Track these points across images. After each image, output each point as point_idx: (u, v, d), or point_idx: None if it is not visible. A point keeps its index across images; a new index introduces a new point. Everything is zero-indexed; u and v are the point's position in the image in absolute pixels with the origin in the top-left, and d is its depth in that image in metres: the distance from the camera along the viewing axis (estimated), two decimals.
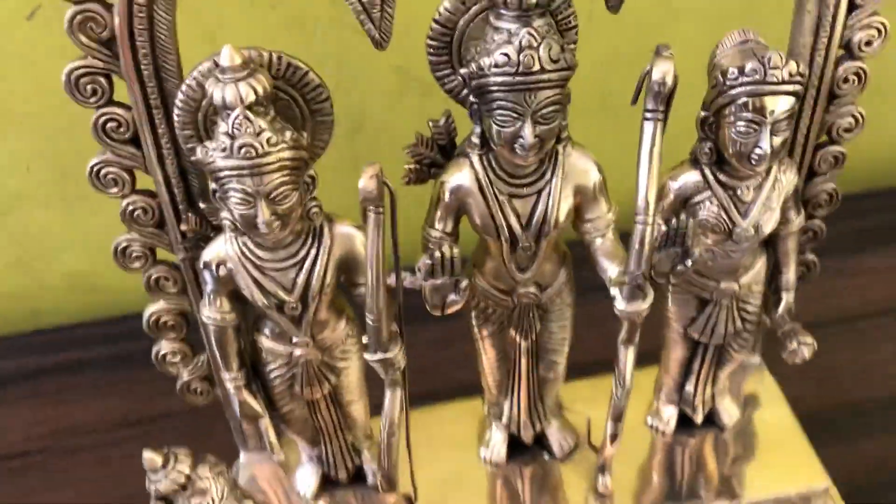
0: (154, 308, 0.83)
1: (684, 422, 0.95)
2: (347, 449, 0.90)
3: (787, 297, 0.85)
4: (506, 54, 0.65)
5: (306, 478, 0.92)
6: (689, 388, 0.92)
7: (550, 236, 0.76)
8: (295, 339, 0.76)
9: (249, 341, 0.80)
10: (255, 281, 0.72)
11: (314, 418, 0.85)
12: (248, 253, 0.71)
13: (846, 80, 0.79)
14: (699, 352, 0.89)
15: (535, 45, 0.64)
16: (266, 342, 0.78)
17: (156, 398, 1.15)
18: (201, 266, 0.74)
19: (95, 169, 0.74)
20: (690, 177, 0.77)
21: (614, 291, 0.73)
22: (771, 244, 0.84)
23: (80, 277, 1.34)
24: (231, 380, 0.79)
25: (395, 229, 0.66)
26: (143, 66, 0.68)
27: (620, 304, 0.73)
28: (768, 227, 0.77)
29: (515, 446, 0.94)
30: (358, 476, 0.92)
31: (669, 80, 0.63)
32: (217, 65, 0.65)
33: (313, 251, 0.71)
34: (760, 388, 1.00)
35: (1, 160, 1.21)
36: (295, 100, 0.71)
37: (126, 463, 1.10)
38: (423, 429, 0.96)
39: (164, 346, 0.85)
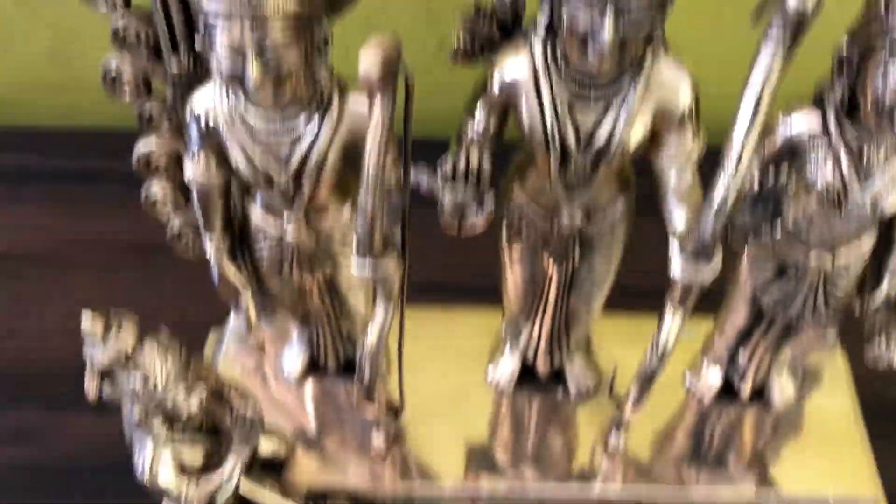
0: (144, 148, 0.72)
1: (726, 389, 0.82)
2: (340, 337, 0.80)
3: (889, 285, 0.69)
4: None
5: (292, 359, 0.83)
6: (743, 356, 0.79)
7: (613, 162, 0.60)
8: (286, 218, 0.65)
9: (240, 208, 0.69)
10: (244, 150, 0.59)
11: (305, 303, 0.75)
12: (239, 114, 0.58)
13: None
14: (764, 320, 0.75)
15: None
16: (256, 216, 0.67)
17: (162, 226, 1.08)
18: (187, 118, 0.61)
19: None
20: (809, 121, 0.60)
21: (674, 249, 0.59)
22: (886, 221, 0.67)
23: None
24: (212, 244, 0.68)
25: (409, 122, 0.52)
26: None
27: (676, 269, 0.58)
28: (892, 207, 0.61)
29: (527, 374, 0.83)
30: (349, 366, 0.83)
31: (810, 6, 0.45)
32: None
33: (315, 125, 0.58)
34: (826, 368, 0.85)
35: None
36: None
37: (125, 290, 1.05)
38: (429, 333, 0.86)
39: (155, 190, 0.75)
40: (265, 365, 0.86)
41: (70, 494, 0.88)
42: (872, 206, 0.60)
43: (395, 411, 0.78)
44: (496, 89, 0.60)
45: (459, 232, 0.60)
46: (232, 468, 0.67)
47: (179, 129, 0.70)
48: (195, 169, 0.63)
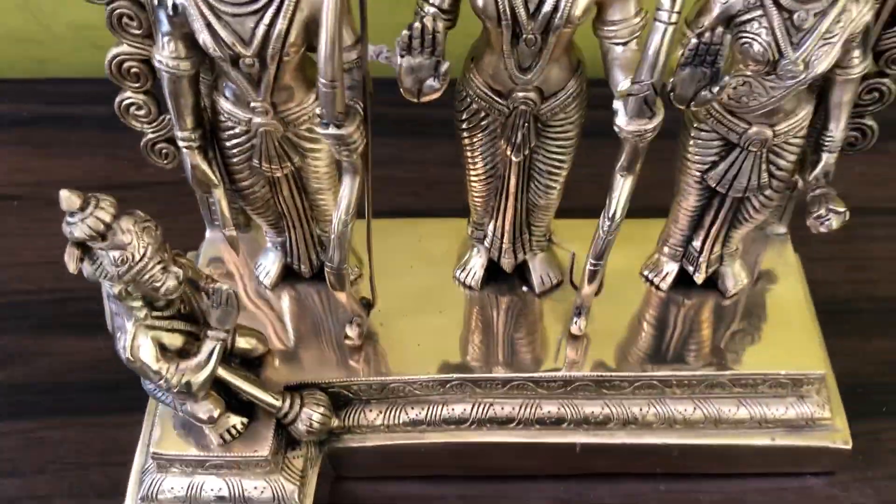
0: (117, 50, 0.74)
1: (683, 281, 0.86)
2: (313, 241, 0.84)
3: (827, 158, 0.73)
4: None
5: (267, 265, 0.86)
6: (696, 243, 0.83)
7: (561, 32, 0.64)
8: (253, 104, 0.68)
9: (209, 103, 0.72)
10: (209, 26, 0.62)
11: (276, 202, 0.78)
12: None
13: None
14: (714, 204, 0.79)
15: None
16: (225, 104, 0.70)
17: (144, 165, 1.10)
18: (155, 3, 0.64)
19: None
20: None
21: (617, 105, 0.62)
22: (823, 92, 0.71)
23: (87, 31, 1.26)
24: (184, 139, 0.71)
25: None
26: None
27: (621, 120, 0.62)
28: (822, 66, 0.65)
29: (495, 275, 0.87)
30: (322, 272, 0.86)
31: None
32: None
33: (276, 2, 0.61)
34: (779, 263, 0.89)
35: None
36: None
37: None
38: (399, 238, 0.89)
39: (128, 96, 0.77)
40: (240, 278, 0.89)
41: (55, 411, 0.90)
42: (805, 66, 0.64)
43: (367, 305, 0.81)
44: None
45: (419, 97, 0.63)
46: (210, 351, 0.70)
47: (149, 35, 0.73)
48: (164, 55, 0.66)
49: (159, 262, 0.64)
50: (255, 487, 0.77)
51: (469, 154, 0.76)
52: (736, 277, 0.85)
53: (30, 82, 1.25)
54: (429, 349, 0.82)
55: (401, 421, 0.81)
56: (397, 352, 0.82)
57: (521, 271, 0.87)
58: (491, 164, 0.76)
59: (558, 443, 0.82)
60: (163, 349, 0.69)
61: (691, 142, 0.74)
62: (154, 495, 0.78)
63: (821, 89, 0.71)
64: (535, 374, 0.80)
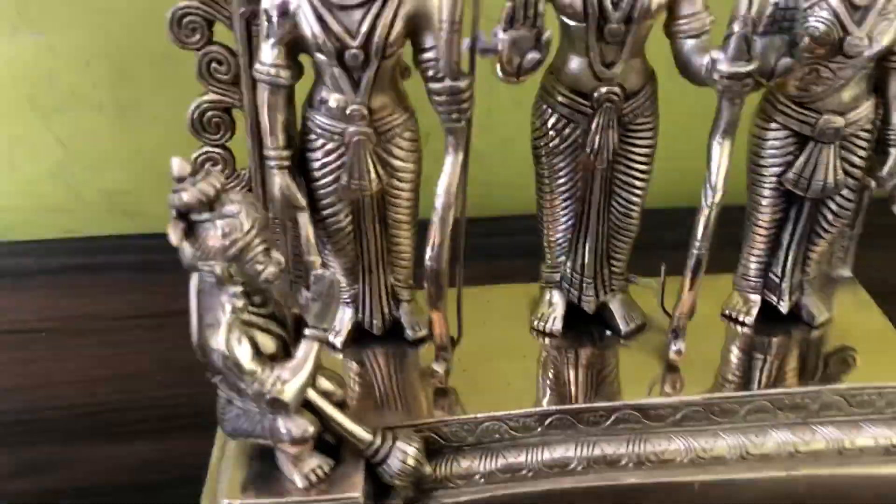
0: (201, 99, 0.77)
1: (766, 317, 0.84)
2: (387, 293, 0.81)
3: (894, 152, 0.77)
4: None
5: (337, 324, 0.82)
6: (777, 268, 0.82)
7: (641, 24, 0.69)
8: (351, 107, 0.69)
9: (301, 124, 0.73)
10: (319, 18, 0.66)
11: (357, 236, 0.77)
12: None
13: None
14: (791, 217, 0.80)
15: None
16: (319, 118, 0.71)
17: (177, 298, 1.07)
18: (262, 13, 0.68)
19: None
20: None
21: (716, 55, 0.66)
22: (881, 89, 0.76)
23: (119, 197, 1.29)
24: (276, 157, 0.71)
25: None
26: None
27: (721, 66, 0.65)
28: (885, 40, 0.70)
29: (572, 324, 0.84)
30: (394, 330, 0.82)
31: None
32: None
33: None
34: (854, 300, 0.89)
35: (62, 51, 1.19)
36: None
37: (134, 345, 1.03)
38: (466, 302, 0.86)
39: (205, 151, 0.78)
40: None
41: None
42: (869, 41, 0.69)
43: (452, 342, 0.76)
44: None
45: (519, 75, 0.66)
46: (307, 352, 0.64)
47: (235, 82, 0.76)
48: (266, 62, 0.68)
49: (264, 242, 0.62)
50: None
51: (548, 175, 0.77)
52: (818, 307, 0.84)
53: (56, 241, 1.25)
54: (519, 389, 0.77)
55: (498, 467, 0.73)
56: (486, 393, 0.76)
57: (599, 318, 0.84)
58: (572, 183, 0.77)
59: (672, 481, 0.74)
60: (256, 351, 0.63)
61: (766, 143, 0.76)
62: None
63: (878, 86, 0.76)
64: (641, 401, 0.75)
